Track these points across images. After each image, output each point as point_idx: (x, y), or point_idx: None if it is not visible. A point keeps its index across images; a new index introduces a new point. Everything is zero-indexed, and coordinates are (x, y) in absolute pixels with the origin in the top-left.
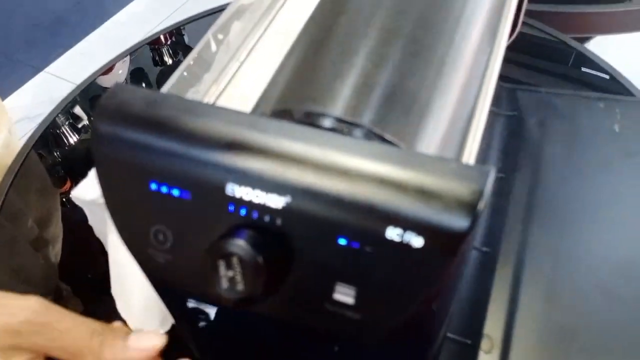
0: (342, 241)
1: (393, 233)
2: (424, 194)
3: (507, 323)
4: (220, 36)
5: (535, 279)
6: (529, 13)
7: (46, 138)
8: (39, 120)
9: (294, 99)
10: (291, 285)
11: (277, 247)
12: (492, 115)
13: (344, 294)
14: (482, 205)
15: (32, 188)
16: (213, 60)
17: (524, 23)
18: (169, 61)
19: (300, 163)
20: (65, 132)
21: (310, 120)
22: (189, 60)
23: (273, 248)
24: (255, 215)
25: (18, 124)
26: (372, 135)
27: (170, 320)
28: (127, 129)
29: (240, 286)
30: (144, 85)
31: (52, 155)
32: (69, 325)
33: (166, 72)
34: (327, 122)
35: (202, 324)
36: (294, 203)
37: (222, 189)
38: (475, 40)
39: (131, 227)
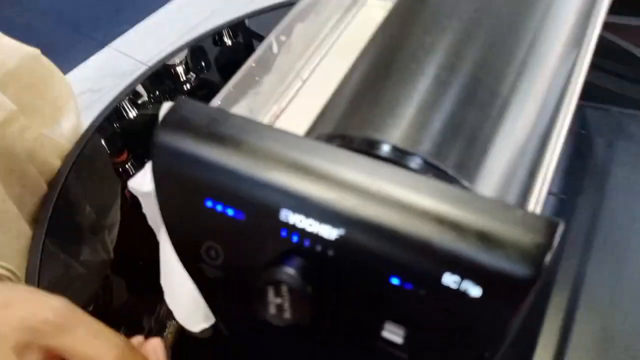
0: (395, 281)
1: (450, 280)
2: (486, 241)
3: (556, 357)
4: (283, 38)
5: (590, 314)
6: (604, 26)
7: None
8: (102, 93)
9: (353, 124)
10: (340, 317)
11: (328, 278)
12: None
13: (393, 333)
14: (548, 259)
15: (94, 174)
16: (274, 63)
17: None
18: (229, 42)
19: (357, 195)
20: (125, 106)
21: (369, 147)
22: (251, 62)
23: (323, 279)
24: (307, 243)
25: (82, 96)
26: (431, 167)
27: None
28: (187, 145)
29: (287, 314)
30: (203, 64)
31: (112, 127)
32: (88, 333)
33: (225, 53)
34: (385, 151)
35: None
36: (347, 236)
37: (276, 213)
38: (551, 69)
39: (184, 239)
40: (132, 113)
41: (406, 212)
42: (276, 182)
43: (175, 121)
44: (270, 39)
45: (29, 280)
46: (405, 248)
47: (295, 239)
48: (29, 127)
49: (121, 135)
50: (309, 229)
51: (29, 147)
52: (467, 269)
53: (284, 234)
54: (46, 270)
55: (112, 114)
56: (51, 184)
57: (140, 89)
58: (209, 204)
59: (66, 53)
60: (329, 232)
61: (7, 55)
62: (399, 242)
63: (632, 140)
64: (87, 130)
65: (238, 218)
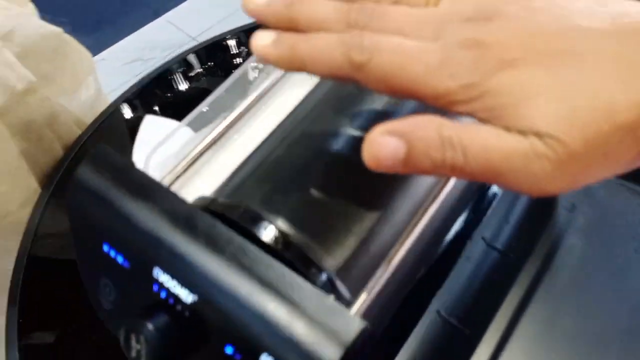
0: (229, 350)
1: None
2: (295, 338)
3: None
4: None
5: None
6: None
7: (159, 80)
8: (151, 63)
9: (240, 196)
10: None
11: (181, 336)
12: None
13: None
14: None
15: (111, 143)
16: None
17: None
18: None
19: (211, 269)
20: (176, 78)
21: (245, 222)
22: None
23: (178, 336)
24: (171, 301)
25: (132, 64)
26: (293, 249)
27: None
28: (94, 192)
29: None
30: None
31: (163, 97)
32: None
33: None
34: (261, 229)
35: None
36: (199, 303)
37: (150, 269)
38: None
39: (87, 269)
40: (184, 85)
41: (243, 294)
42: (151, 241)
43: (94, 163)
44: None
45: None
46: (236, 327)
47: (163, 294)
48: (48, 98)
49: (171, 105)
50: (173, 289)
51: (47, 116)
52: (277, 355)
53: (155, 288)
54: (49, 222)
55: (164, 84)
56: (67, 148)
57: (192, 59)
58: (105, 247)
59: (119, 21)
60: (186, 296)
61: (30, 32)
62: (231, 320)
63: (596, 207)
64: (114, 101)
65: (124, 266)
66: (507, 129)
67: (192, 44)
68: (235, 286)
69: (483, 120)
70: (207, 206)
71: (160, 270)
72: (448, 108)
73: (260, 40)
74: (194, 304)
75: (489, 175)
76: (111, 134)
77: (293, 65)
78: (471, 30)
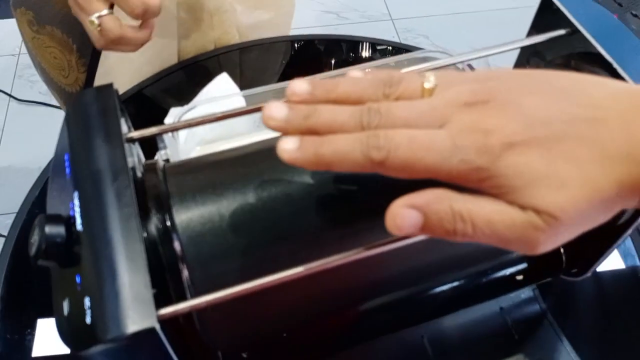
0: (78, 279)
1: None
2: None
3: None
4: None
5: None
6: None
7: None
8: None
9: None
10: None
11: (64, 250)
12: None
13: None
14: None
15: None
16: None
17: None
18: None
19: (95, 211)
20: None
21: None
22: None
23: (63, 247)
24: (72, 221)
25: (327, 14)
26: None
27: None
28: (77, 112)
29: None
30: None
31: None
32: None
33: None
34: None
35: None
36: (82, 233)
37: (74, 190)
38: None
39: (53, 168)
40: None
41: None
42: (81, 167)
43: (98, 91)
44: None
45: None
46: (85, 261)
47: (72, 213)
48: None
49: None
50: (76, 214)
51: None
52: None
53: (71, 205)
54: None
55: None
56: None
57: None
58: (65, 157)
59: None
60: (79, 224)
61: None
62: (85, 255)
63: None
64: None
65: (67, 175)
66: (510, 203)
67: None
68: (99, 235)
69: (490, 194)
70: (149, 166)
71: (77, 194)
72: (462, 185)
73: (286, 145)
74: (79, 232)
75: (492, 241)
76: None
77: (320, 167)
78: (472, 116)
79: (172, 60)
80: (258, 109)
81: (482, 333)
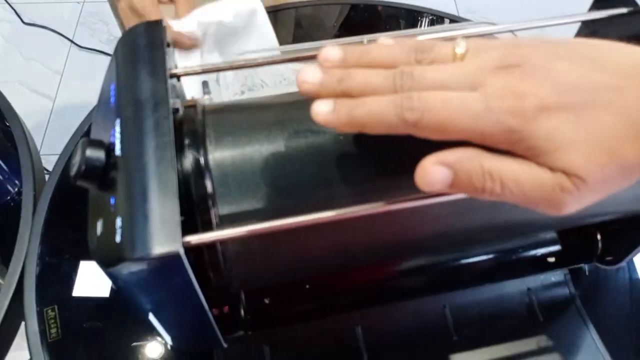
0: (112, 200)
1: None
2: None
3: None
4: None
5: None
6: None
7: None
8: None
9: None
10: None
11: (101, 173)
12: None
13: None
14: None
15: None
16: None
17: None
18: None
19: (133, 138)
20: None
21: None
22: None
23: (100, 170)
24: (112, 147)
25: None
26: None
27: None
28: (126, 45)
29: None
30: None
31: None
32: None
33: None
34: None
35: None
36: (119, 157)
37: (115, 119)
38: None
39: (99, 102)
40: None
41: (134, 169)
42: (126, 98)
43: (148, 27)
44: None
45: None
46: (119, 186)
47: (112, 139)
48: None
49: None
50: (116, 140)
51: None
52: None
53: (112, 132)
54: None
55: None
56: None
57: None
58: (112, 86)
59: None
60: (118, 149)
61: None
62: (120, 180)
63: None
64: None
65: (111, 104)
66: (540, 165)
67: None
68: (135, 160)
69: (520, 156)
70: (190, 104)
71: (119, 122)
72: (493, 147)
73: (320, 108)
74: (117, 156)
75: (519, 200)
76: None
77: (353, 128)
78: (505, 79)
79: None
80: (308, 57)
81: (506, 310)
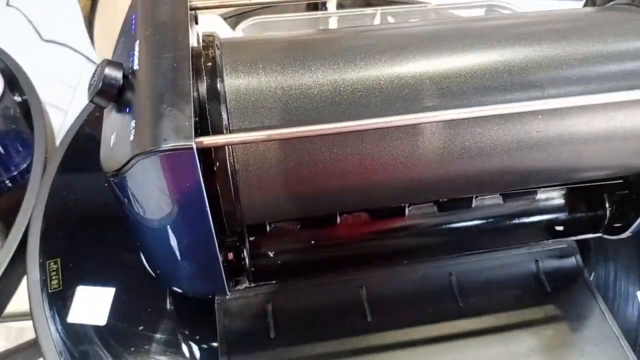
0: (127, 109)
1: None
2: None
3: None
4: None
5: None
6: None
7: None
8: None
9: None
10: None
11: (117, 91)
12: None
13: None
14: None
15: None
16: None
17: None
18: None
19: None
20: None
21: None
22: None
23: (116, 88)
24: (129, 71)
25: None
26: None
27: None
28: None
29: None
30: None
31: None
32: None
33: None
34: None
35: None
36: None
37: (134, 43)
38: None
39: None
40: None
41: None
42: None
43: None
44: None
45: None
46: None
47: (131, 60)
48: None
49: None
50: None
51: None
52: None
53: (131, 58)
54: None
55: None
56: None
57: None
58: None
59: None
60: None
61: None
62: (134, 81)
63: None
64: None
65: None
66: None
67: None
68: (153, 69)
69: None
70: (208, 35)
71: (138, 42)
72: None
73: None
74: (134, 70)
75: None
76: None
77: None
78: None
79: None
80: None
81: (513, 280)
